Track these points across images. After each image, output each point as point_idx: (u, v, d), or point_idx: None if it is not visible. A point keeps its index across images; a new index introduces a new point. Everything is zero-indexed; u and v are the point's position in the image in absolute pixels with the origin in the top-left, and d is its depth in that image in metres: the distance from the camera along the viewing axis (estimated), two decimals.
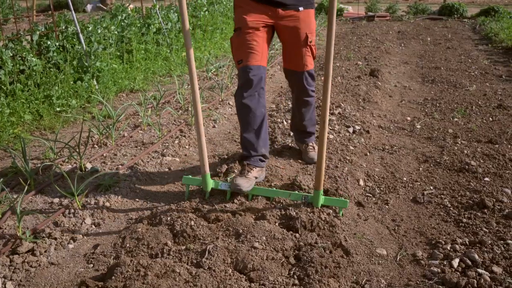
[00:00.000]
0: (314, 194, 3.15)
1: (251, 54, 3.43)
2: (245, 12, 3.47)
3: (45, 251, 2.81)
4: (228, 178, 3.63)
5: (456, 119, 5.18)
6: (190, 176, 3.51)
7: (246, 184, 3.28)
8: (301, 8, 3.53)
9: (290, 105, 4.28)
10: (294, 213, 3.03)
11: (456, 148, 4.32)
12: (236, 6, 3.58)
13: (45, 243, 2.87)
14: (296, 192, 3.31)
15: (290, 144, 4.32)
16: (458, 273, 2.56)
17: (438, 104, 5.79)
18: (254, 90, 3.43)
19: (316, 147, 3.87)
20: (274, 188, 3.44)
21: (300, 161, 3.99)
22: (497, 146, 4.34)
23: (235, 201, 3.28)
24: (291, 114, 4.13)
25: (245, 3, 3.49)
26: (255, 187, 3.34)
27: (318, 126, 3.48)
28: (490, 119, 5.18)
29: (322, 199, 3.15)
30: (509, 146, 4.33)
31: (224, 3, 11.85)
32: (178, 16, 9.08)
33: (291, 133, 4.43)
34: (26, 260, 2.70)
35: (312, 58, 3.69)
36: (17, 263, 2.68)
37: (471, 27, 13.12)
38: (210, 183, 3.37)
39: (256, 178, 3.43)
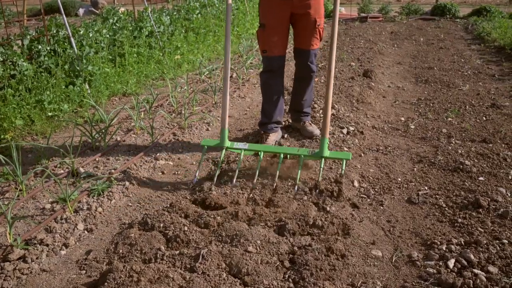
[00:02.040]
0: (321, 141, 3.59)
1: (274, 46, 4.24)
2: (268, 10, 4.21)
3: (36, 258, 2.77)
4: (222, 180, 3.66)
5: (450, 119, 5.18)
6: (209, 139, 4.07)
7: None
8: None
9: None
10: (285, 218, 3.01)
11: (450, 148, 4.31)
12: (260, 4, 4.29)
13: (37, 249, 2.83)
14: (303, 148, 3.84)
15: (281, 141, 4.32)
16: (454, 273, 2.55)
17: (431, 104, 5.78)
18: (276, 74, 4.38)
19: (313, 124, 4.66)
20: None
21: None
22: (491, 145, 4.33)
23: (229, 206, 3.26)
24: (291, 95, 4.71)
25: (266, 3, 4.20)
26: (266, 145, 4.00)
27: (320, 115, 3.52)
28: (484, 118, 5.18)
29: (327, 151, 3.58)
30: (503, 145, 4.33)
31: (217, 5, 11.82)
32: (171, 19, 9.05)
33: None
34: (17, 268, 2.66)
35: (319, 40, 4.32)
36: (8, 271, 2.64)
37: (464, 27, 13.15)
38: (227, 140, 3.83)
39: (273, 140, 4.39)
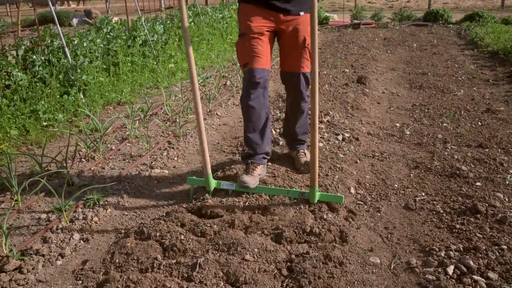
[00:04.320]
0: (310, 191, 3.33)
1: (256, 58, 3.58)
2: (249, 18, 3.61)
3: (32, 269, 2.75)
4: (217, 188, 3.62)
5: (445, 124, 5.18)
6: (195, 177, 3.69)
7: (252, 181, 3.51)
8: (302, 13, 3.66)
9: (283, 114, 4.26)
10: (282, 226, 3.00)
11: (446, 153, 4.31)
12: (240, 12, 3.71)
13: (33, 260, 2.81)
14: (294, 189, 3.48)
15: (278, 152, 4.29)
16: (454, 280, 2.53)
17: (426, 110, 5.79)
18: (259, 92, 3.61)
19: (308, 153, 4.03)
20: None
21: (289, 170, 3.95)
22: (487, 150, 4.34)
23: (225, 214, 3.24)
24: (284, 121, 4.19)
25: (249, 10, 3.63)
26: (257, 186, 3.51)
27: (310, 135, 3.51)
28: (479, 123, 5.19)
29: (317, 195, 3.33)
30: (499, 150, 4.33)
31: (210, 14, 11.84)
32: (164, 27, 9.05)
33: (280, 142, 4.45)
34: (13, 278, 2.63)
35: (309, 62, 3.67)
36: (4, 282, 2.61)
37: (456, 33, 13.21)
38: (213, 183, 3.57)
39: (259, 175, 3.67)
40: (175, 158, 4.49)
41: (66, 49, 6.01)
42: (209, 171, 3.52)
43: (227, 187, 3.56)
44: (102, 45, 6.96)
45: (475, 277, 2.53)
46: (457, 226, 3.08)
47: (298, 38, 3.68)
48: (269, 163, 4.05)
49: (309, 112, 3.56)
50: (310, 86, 3.68)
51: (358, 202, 3.54)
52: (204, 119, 5.64)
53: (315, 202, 3.34)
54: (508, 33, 10.73)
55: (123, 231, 3.23)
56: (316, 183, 3.30)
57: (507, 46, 9.30)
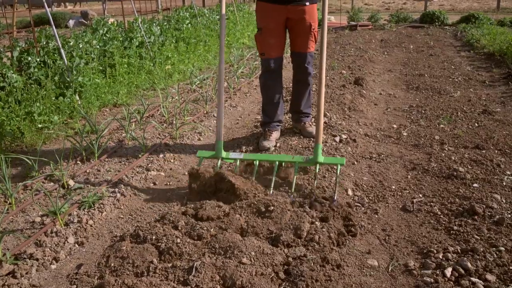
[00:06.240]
0: (314, 148, 3.65)
1: (271, 48, 4.51)
2: (264, 15, 4.49)
3: (26, 273, 2.71)
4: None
5: (442, 126, 5.17)
6: (204, 150, 4.03)
7: (270, 144, 4.48)
8: (307, 3, 4.40)
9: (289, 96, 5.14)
10: (278, 229, 2.97)
11: (443, 154, 4.29)
12: (257, 10, 4.56)
13: (27, 264, 2.78)
14: (298, 155, 3.86)
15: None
16: (452, 282, 2.51)
17: (423, 111, 5.78)
18: (274, 74, 4.62)
19: (313, 126, 4.76)
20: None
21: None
22: (484, 151, 4.32)
23: (221, 216, 3.21)
24: (291, 96, 4.95)
25: (263, 7, 4.48)
26: (260, 154, 4.02)
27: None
28: (476, 124, 5.18)
29: (322, 157, 3.62)
30: (496, 151, 4.32)
31: (207, 15, 11.83)
32: (161, 29, 9.04)
33: (278, 144, 4.45)
34: (6, 283, 2.60)
35: (314, 42, 4.57)
36: None
37: (453, 34, 13.22)
38: (222, 151, 3.86)
39: (275, 138, 4.65)
40: (172, 160, 4.47)
41: (62, 51, 5.98)
42: (221, 137, 3.88)
43: (235, 156, 3.84)
44: (98, 47, 6.94)
45: (473, 279, 2.51)
46: (455, 227, 3.07)
47: (305, 25, 4.43)
48: None
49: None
50: (313, 62, 4.68)
51: (356, 204, 3.52)
52: (201, 120, 5.63)
53: (320, 161, 3.61)
54: (504, 35, 10.73)
55: (118, 234, 3.20)
56: (320, 139, 3.63)
57: (502, 47, 9.30)
